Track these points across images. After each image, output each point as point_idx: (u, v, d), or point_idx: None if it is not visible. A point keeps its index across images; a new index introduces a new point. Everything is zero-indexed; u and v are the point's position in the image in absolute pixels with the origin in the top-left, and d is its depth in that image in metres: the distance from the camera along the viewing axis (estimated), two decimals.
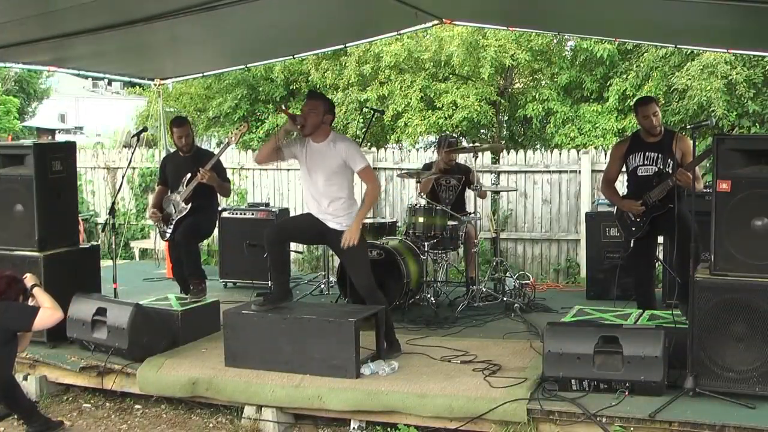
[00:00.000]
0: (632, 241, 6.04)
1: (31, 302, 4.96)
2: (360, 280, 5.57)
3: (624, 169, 6.21)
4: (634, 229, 5.98)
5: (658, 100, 6.31)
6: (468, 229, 7.25)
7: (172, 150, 7.82)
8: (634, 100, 6.59)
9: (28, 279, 5.05)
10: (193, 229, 6.71)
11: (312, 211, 5.51)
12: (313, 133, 5.40)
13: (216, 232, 7.76)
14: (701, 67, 9.58)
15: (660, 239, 6.51)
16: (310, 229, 5.51)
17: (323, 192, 5.40)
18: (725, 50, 8.41)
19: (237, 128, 7.25)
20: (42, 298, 4.93)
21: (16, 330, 4.86)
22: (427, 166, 7.75)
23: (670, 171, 5.83)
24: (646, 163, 5.97)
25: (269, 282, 7.74)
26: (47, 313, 4.84)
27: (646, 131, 6.00)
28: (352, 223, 5.37)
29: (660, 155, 5.90)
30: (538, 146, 11.24)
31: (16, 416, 5.01)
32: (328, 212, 5.42)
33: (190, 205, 6.66)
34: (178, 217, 6.71)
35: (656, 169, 5.91)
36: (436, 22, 7.63)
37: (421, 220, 6.98)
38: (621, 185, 6.57)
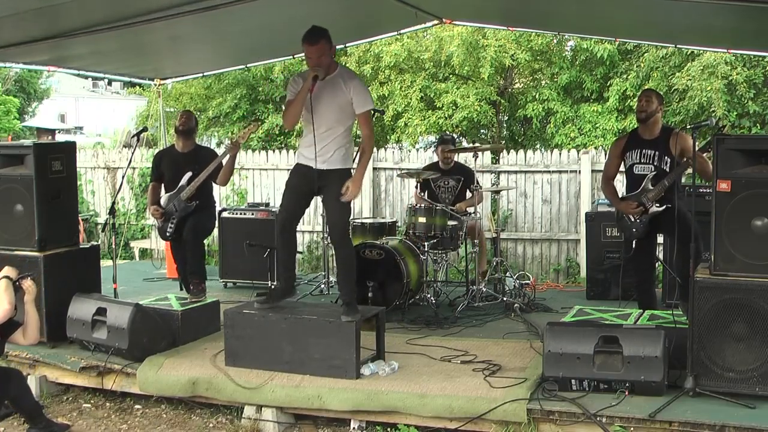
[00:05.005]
0: (634, 241, 6.04)
1: None
2: (333, 217, 5.33)
3: (622, 167, 6.20)
4: (634, 230, 5.97)
5: (661, 95, 6.25)
6: (471, 223, 7.24)
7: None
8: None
9: (6, 270, 4.75)
10: (199, 227, 6.72)
11: (302, 159, 5.30)
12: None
13: (216, 232, 7.76)
14: (701, 67, 9.58)
15: (660, 239, 6.50)
16: (303, 188, 5.32)
17: (323, 134, 5.08)
18: (725, 50, 8.40)
19: (245, 127, 7.24)
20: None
21: None
22: (428, 167, 7.76)
23: (668, 169, 5.82)
24: (642, 161, 5.93)
25: (269, 282, 7.76)
26: None
27: (637, 118, 5.97)
28: (353, 175, 5.14)
29: (656, 153, 5.86)
30: (538, 146, 11.25)
31: (20, 416, 4.99)
32: (320, 154, 5.09)
33: (194, 203, 6.67)
34: (181, 215, 6.71)
35: (653, 168, 5.89)
36: (436, 22, 7.64)
37: (421, 220, 6.98)
38: (621, 184, 6.56)
